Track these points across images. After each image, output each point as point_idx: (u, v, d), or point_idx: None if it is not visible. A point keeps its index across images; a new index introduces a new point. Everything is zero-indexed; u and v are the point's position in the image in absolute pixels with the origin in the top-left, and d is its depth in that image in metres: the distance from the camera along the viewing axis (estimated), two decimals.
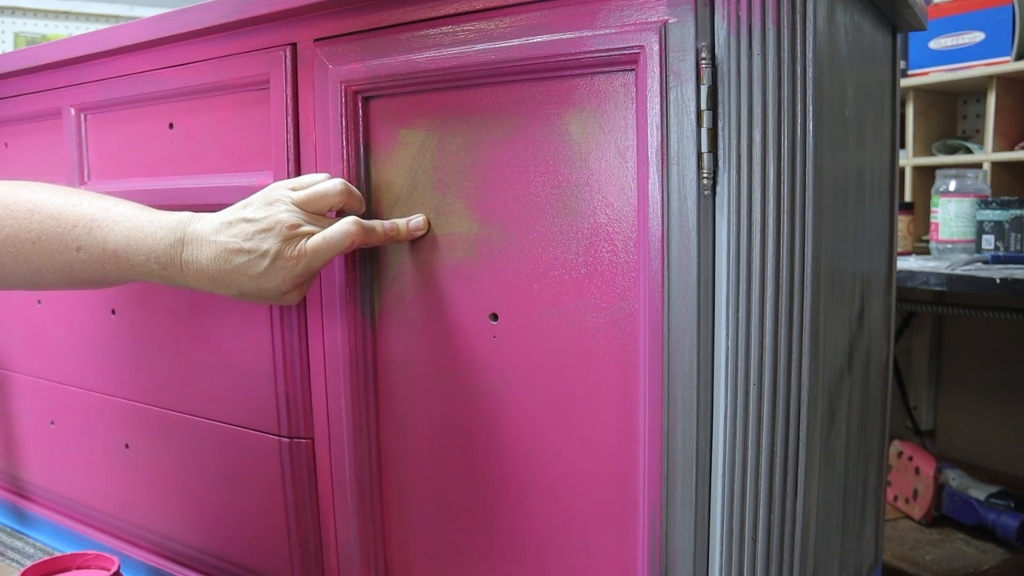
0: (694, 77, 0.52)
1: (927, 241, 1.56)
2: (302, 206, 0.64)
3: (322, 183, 0.65)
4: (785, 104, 0.51)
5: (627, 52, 0.54)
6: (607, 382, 0.58)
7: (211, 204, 0.79)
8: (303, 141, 0.71)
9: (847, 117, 0.63)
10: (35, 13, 2.59)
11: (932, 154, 1.70)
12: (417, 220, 0.65)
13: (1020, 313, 1.51)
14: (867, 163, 0.73)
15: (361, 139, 0.68)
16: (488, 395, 0.64)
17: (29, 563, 0.84)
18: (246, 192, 0.76)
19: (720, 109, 0.52)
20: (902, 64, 1.66)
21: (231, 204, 0.78)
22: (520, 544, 0.65)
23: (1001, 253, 1.36)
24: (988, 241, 1.39)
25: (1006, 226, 1.37)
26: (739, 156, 0.52)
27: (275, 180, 0.73)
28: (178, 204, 0.82)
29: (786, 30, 0.51)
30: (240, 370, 0.78)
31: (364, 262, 0.69)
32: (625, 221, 0.57)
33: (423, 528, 0.70)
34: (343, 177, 0.68)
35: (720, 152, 0.52)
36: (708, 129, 0.52)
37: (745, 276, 0.53)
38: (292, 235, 0.62)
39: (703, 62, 0.52)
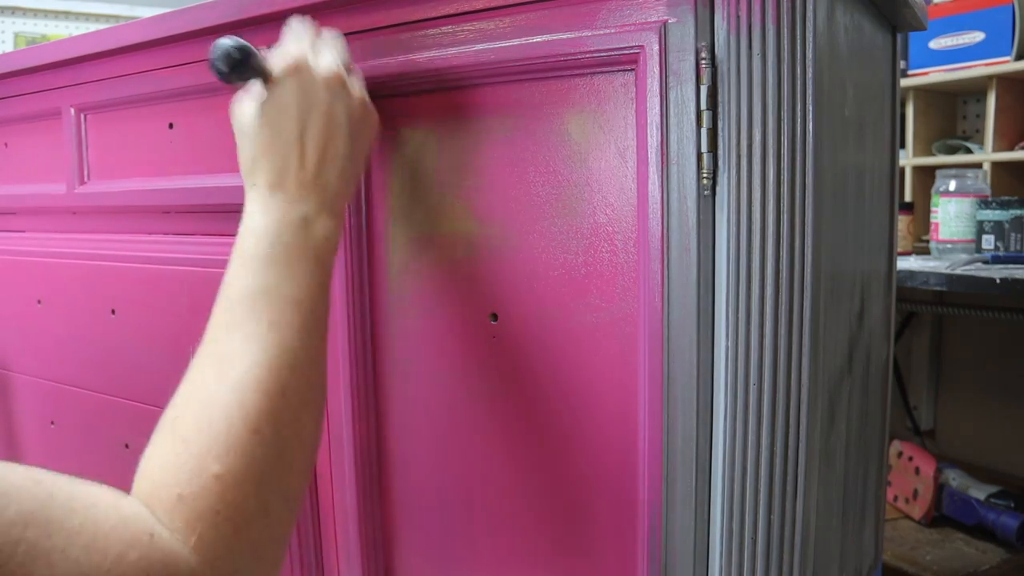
0: (694, 77, 0.52)
1: (927, 241, 1.56)
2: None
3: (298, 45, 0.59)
4: (785, 104, 0.51)
5: (627, 52, 0.54)
6: (607, 382, 0.58)
7: (211, 204, 0.79)
8: None
9: (847, 117, 0.63)
10: (35, 13, 2.59)
11: (932, 154, 1.70)
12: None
13: (1020, 313, 1.51)
14: (867, 163, 0.73)
15: None
16: (488, 395, 0.64)
17: None
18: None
19: (720, 109, 0.52)
20: (902, 64, 1.66)
21: (230, 204, 0.78)
22: (520, 544, 0.65)
23: (1001, 253, 1.36)
24: (988, 241, 1.39)
25: (1006, 226, 1.37)
26: (739, 156, 0.52)
27: None
28: (178, 204, 0.82)
29: (786, 30, 0.51)
30: None
31: (364, 262, 0.69)
32: (625, 221, 0.57)
33: (423, 528, 0.70)
34: None
35: (720, 152, 0.52)
36: (708, 129, 0.52)
37: (745, 276, 0.52)
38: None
39: (703, 62, 0.52)
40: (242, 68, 0.56)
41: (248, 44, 0.56)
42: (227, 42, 0.55)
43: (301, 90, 0.56)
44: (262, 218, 0.56)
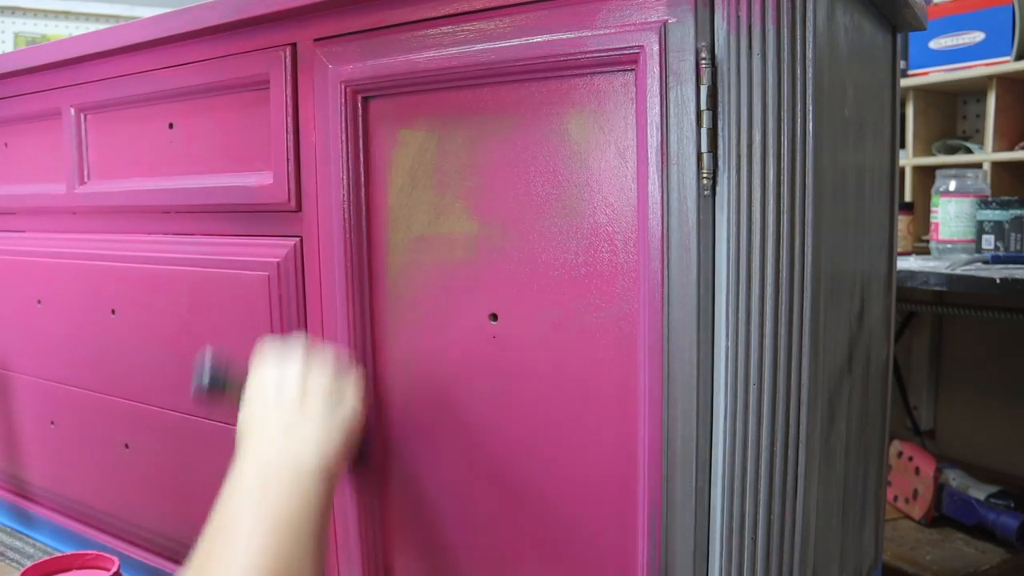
0: (694, 77, 0.52)
1: (927, 241, 1.56)
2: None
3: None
4: (785, 104, 0.51)
5: (627, 52, 0.54)
6: (607, 382, 0.58)
7: (211, 204, 0.79)
8: (303, 141, 0.71)
9: (847, 117, 0.63)
10: (35, 13, 2.58)
11: (932, 154, 1.70)
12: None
13: (1020, 313, 1.51)
14: (867, 163, 0.73)
15: (361, 139, 0.68)
16: (488, 395, 0.64)
17: (29, 563, 0.84)
18: (246, 192, 0.76)
19: (720, 109, 0.52)
20: (902, 64, 1.66)
21: (230, 203, 0.78)
22: (521, 544, 0.65)
23: (1001, 253, 1.36)
24: (988, 241, 1.39)
25: (1006, 226, 1.37)
26: (739, 156, 0.52)
27: (274, 180, 0.73)
28: (178, 204, 0.82)
29: (786, 30, 0.51)
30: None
31: (364, 262, 0.69)
32: (625, 221, 0.57)
33: (424, 528, 0.70)
34: (342, 176, 0.68)
35: (720, 152, 0.52)
36: (708, 129, 0.52)
37: (745, 276, 0.52)
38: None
39: (703, 62, 0.52)
40: (220, 387, 0.69)
41: (218, 373, 0.69)
42: (204, 381, 0.69)
43: (274, 366, 0.65)
44: (250, 455, 0.62)
